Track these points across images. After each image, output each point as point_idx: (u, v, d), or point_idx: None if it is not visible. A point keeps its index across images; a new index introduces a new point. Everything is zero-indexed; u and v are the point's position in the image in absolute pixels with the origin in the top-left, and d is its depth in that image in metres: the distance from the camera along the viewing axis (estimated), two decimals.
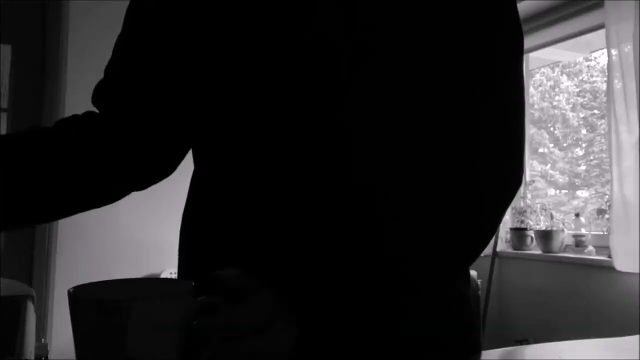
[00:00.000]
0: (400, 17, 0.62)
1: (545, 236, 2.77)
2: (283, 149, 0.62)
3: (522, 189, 3.04)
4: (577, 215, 2.79)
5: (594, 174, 3.65)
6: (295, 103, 0.62)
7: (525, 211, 2.96)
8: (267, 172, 0.63)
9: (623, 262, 2.30)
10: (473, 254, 0.62)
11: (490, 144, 0.63)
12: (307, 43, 0.62)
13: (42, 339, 2.32)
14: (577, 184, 3.83)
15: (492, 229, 0.63)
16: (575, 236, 2.68)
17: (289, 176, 0.62)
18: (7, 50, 2.81)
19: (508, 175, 0.64)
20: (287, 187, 0.61)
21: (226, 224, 0.66)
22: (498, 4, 0.64)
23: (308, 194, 0.61)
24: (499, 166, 0.63)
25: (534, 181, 3.24)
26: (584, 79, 4.19)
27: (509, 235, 3.02)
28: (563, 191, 3.95)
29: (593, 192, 3.40)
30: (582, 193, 3.68)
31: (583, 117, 4.01)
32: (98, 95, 0.71)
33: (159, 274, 2.75)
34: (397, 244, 0.58)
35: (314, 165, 0.61)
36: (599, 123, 3.75)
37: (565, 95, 4.11)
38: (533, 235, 2.88)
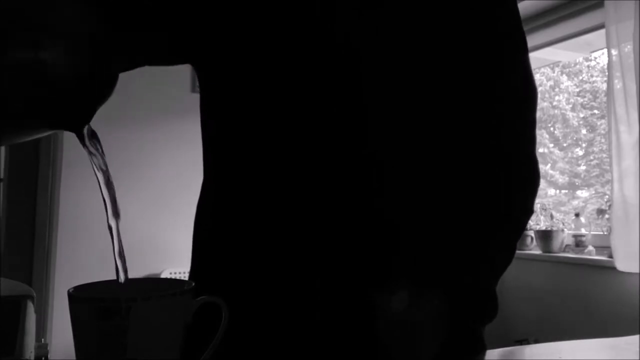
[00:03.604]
0: (414, 22, 0.63)
1: (545, 236, 2.77)
2: (295, 145, 0.62)
3: None
4: (577, 215, 2.78)
5: (594, 174, 3.65)
6: (310, 102, 0.62)
7: None
8: (282, 165, 0.63)
9: (623, 262, 2.30)
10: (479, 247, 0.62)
11: (498, 139, 0.65)
12: (328, 46, 0.62)
13: (42, 339, 2.32)
14: (577, 184, 3.83)
15: (502, 222, 0.64)
16: (575, 236, 2.68)
17: (301, 170, 0.62)
18: None
19: (520, 181, 0.65)
20: (299, 182, 0.62)
21: (243, 218, 0.66)
22: (503, 5, 0.66)
23: (322, 194, 0.61)
24: (507, 164, 0.64)
25: None
26: (584, 79, 4.19)
27: None
28: (563, 191, 3.95)
29: (593, 192, 3.40)
30: (582, 193, 3.68)
31: (583, 117, 4.01)
32: None
33: (159, 274, 2.75)
34: (412, 241, 0.59)
35: (326, 164, 0.61)
36: (599, 123, 3.75)
37: (565, 95, 4.11)
38: (533, 235, 2.87)
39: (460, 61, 0.63)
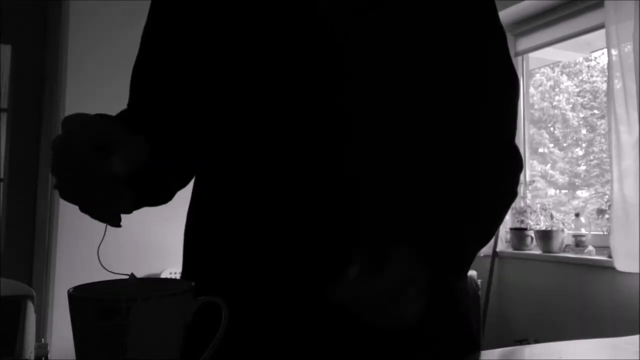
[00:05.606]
0: (400, 18, 0.63)
1: (545, 236, 2.77)
2: (281, 140, 0.62)
3: (522, 189, 3.04)
4: (577, 215, 2.78)
5: (594, 174, 3.65)
6: (295, 93, 0.62)
7: (525, 211, 2.96)
8: (265, 164, 0.63)
9: (623, 262, 2.30)
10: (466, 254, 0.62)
11: (485, 144, 0.65)
12: (311, 36, 0.62)
13: (42, 339, 2.32)
14: (577, 184, 3.83)
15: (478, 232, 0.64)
16: (575, 236, 2.68)
17: (288, 169, 0.62)
18: (7, 50, 2.81)
19: (501, 183, 0.65)
20: (286, 182, 0.62)
21: (226, 218, 0.66)
22: (490, 12, 0.67)
23: (305, 189, 0.61)
24: (492, 169, 0.65)
25: (534, 181, 3.24)
26: (584, 79, 4.19)
27: (509, 235, 3.02)
28: (563, 191, 3.95)
29: (593, 192, 3.39)
30: (582, 193, 3.68)
31: (583, 117, 4.01)
32: (131, 86, 0.74)
33: (159, 274, 2.75)
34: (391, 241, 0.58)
35: (310, 158, 0.61)
36: (599, 123, 3.75)
37: (565, 95, 4.10)
38: (533, 235, 2.87)
39: (450, 56, 0.64)
